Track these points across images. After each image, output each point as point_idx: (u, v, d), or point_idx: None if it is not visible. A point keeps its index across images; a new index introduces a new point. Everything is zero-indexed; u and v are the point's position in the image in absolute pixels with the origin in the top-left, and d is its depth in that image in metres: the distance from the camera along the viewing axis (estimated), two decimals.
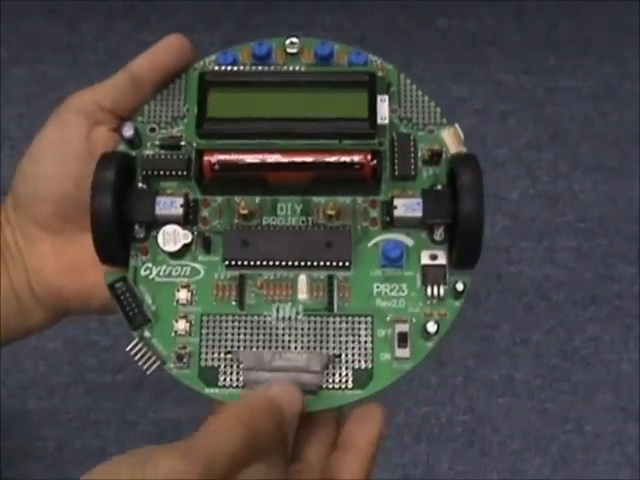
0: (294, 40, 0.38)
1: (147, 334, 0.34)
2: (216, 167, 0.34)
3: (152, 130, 0.37)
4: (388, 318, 0.34)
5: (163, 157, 0.36)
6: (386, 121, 0.35)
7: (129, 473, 0.26)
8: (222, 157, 0.34)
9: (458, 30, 0.88)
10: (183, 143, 0.36)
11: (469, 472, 0.74)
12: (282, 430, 0.31)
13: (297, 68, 0.36)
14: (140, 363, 0.34)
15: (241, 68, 0.36)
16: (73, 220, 0.36)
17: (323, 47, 0.37)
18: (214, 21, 0.88)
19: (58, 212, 0.36)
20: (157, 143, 0.37)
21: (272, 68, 0.37)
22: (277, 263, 0.34)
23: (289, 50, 0.38)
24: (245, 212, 0.35)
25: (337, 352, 0.34)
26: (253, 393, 0.32)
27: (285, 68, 0.37)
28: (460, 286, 0.34)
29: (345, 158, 0.34)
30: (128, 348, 0.34)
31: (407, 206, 0.35)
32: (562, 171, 0.83)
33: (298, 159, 0.34)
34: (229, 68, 0.36)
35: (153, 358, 0.34)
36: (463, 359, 0.77)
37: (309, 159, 0.34)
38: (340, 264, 0.34)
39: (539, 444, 0.75)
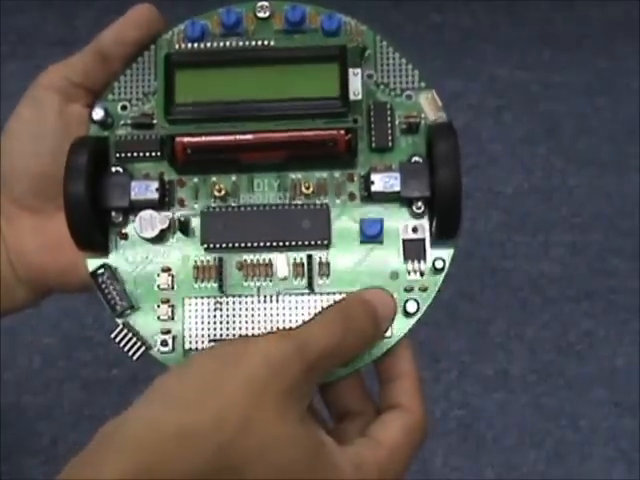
0: (264, 4, 0.37)
1: (130, 320, 0.34)
2: (188, 151, 0.34)
3: (124, 108, 0.36)
4: None
5: (136, 138, 0.36)
6: (359, 97, 0.34)
7: (233, 354, 0.29)
8: (194, 140, 0.34)
9: (452, 25, 0.88)
10: (155, 121, 0.36)
11: (464, 467, 0.74)
12: (375, 331, 0.32)
13: (267, 43, 0.35)
14: (125, 349, 0.34)
15: (208, 45, 0.35)
16: (51, 198, 0.36)
17: (294, 12, 0.36)
18: None
19: (36, 190, 0.36)
20: (129, 122, 0.36)
21: (241, 44, 0.35)
22: (256, 244, 0.34)
23: (259, 15, 0.37)
24: (222, 194, 0.35)
25: None
26: (350, 294, 0.34)
27: (254, 43, 0.35)
28: (439, 264, 0.34)
29: (318, 136, 0.33)
30: (112, 335, 0.34)
31: (385, 181, 0.34)
32: (557, 166, 0.83)
33: (270, 140, 0.34)
34: (195, 45, 0.35)
35: (138, 344, 0.34)
36: (458, 354, 0.77)
37: (282, 139, 0.34)
38: (319, 243, 0.34)
39: (534, 439, 0.74)
